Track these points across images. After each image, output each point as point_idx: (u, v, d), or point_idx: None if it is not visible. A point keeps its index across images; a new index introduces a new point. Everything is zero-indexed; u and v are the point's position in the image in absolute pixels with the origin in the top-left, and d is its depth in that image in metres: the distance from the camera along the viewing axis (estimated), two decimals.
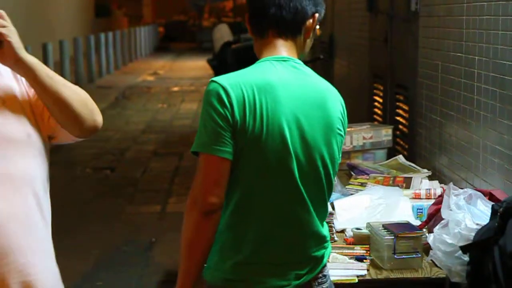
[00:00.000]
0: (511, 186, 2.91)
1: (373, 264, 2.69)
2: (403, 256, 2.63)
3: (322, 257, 2.10)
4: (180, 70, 21.21)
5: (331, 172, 2.05)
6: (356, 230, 2.90)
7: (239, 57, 9.50)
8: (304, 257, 2.05)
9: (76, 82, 14.72)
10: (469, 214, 2.31)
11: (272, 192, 2.00)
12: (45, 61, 12.34)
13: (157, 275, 4.83)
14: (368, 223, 2.87)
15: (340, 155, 2.11)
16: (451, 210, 2.36)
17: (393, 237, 2.66)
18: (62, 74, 13.41)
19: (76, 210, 6.42)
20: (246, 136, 1.95)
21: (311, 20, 2.09)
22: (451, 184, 2.69)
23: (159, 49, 30.76)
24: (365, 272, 2.60)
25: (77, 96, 1.97)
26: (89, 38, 16.77)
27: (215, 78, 2.01)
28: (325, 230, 2.11)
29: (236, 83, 1.97)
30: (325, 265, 2.13)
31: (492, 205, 2.20)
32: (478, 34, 3.32)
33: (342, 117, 2.07)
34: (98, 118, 2.07)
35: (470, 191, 2.50)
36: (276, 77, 1.99)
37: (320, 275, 2.10)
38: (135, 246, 5.42)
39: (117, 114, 12.30)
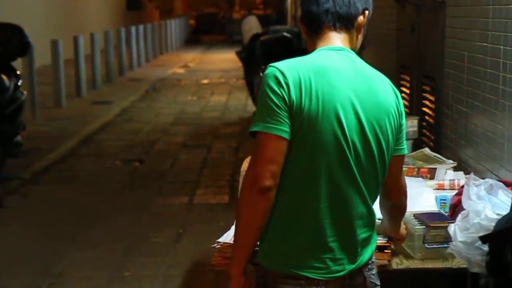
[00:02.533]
0: None
1: (404, 254, 2.68)
2: (434, 246, 2.62)
3: (370, 241, 2.15)
4: (210, 63, 21.28)
5: (386, 155, 2.10)
6: (378, 220, 2.89)
7: (268, 49, 9.49)
8: (356, 239, 2.10)
9: (107, 74, 14.86)
10: (489, 204, 2.30)
11: (327, 174, 2.03)
12: (76, 54, 12.46)
13: (185, 266, 4.87)
14: None
15: (402, 144, 2.17)
16: (471, 200, 2.35)
17: (424, 227, 2.66)
18: (92, 67, 13.56)
19: (105, 202, 6.49)
20: (302, 116, 2.00)
21: (362, 17, 2.16)
22: (472, 175, 2.67)
23: (189, 41, 30.90)
24: (386, 262, 2.60)
25: None
26: (119, 31, 16.90)
27: (272, 63, 2.07)
28: (374, 213, 2.16)
29: (292, 66, 2.04)
30: (373, 251, 2.19)
31: None
32: (504, 23, 3.29)
33: (397, 104, 2.12)
34: None
35: (491, 181, 2.48)
36: (330, 62, 2.06)
37: (370, 261, 2.17)
38: (163, 237, 5.48)
39: (147, 106, 12.40)
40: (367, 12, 2.16)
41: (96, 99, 12.39)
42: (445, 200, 3.17)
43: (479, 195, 2.36)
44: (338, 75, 2.04)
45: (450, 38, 4.21)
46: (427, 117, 4.84)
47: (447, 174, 3.56)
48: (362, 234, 2.11)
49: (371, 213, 2.14)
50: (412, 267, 2.60)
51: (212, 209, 6.26)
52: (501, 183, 2.52)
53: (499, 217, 2.21)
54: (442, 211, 3.05)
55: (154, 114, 11.49)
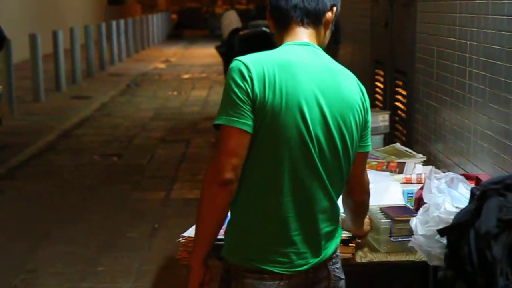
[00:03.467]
0: (500, 171, 2.91)
1: (369, 247, 2.70)
2: (399, 239, 2.64)
3: (335, 235, 2.18)
4: (192, 58, 21.24)
5: (350, 150, 2.12)
6: (342, 214, 2.90)
7: (247, 43, 9.49)
8: (319, 233, 2.12)
9: (87, 69, 14.79)
10: (449, 197, 2.32)
11: (291, 168, 2.04)
12: (55, 48, 12.38)
13: (158, 261, 4.87)
14: None
15: (366, 140, 2.20)
16: (432, 193, 2.37)
17: (389, 220, 2.68)
18: (72, 61, 13.49)
19: (82, 197, 6.47)
20: (265, 110, 2.01)
21: (330, 13, 2.17)
22: (433, 168, 2.70)
23: (171, 36, 30.81)
24: (349, 255, 2.61)
25: None
26: (100, 25, 16.82)
27: (238, 57, 2.08)
28: (338, 207, 2.19)
29: (257, 60, 2.06)
30: (338, 245, 2.21)
31: (471, 188, 2.21)
32: (469, 18, 3.32)
33: (362, 100, 2.13)
34: None
35: (452, 174, 2.50)
36: (296, 57, 2.07)
37: (334, 255, 2.18)
38: (139, 232, 5.47)
39: (127, 101, 12.36)
40: (335, 8, 2.18)
41: (75, 94, 12.33)
42: (412, 194, 3.19)
43: (439, 188, 2.39)
44: (303, 69, 2.05)
45: (421, 33, 4.24)
46: (399, 112, 4.87)
47: (416, 168, 3.59)
48: (325, 228, 2.12)
49: (335, 207, 2.15)
50: (375, 260, 2.62)
51: (189, 203, 6.25)
52: (461, 177, 2.55)
53: (458, 210, 2.23)
54: (409, 205, 3.07)
55: (134, 109, 11.46)
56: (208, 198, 2.03)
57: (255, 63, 2.04)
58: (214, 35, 27.87)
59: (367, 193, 2.29)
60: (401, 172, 3.56)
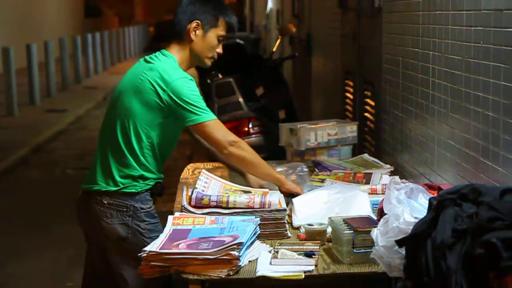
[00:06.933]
0: (462, 180, 2.92)
1: (333, 259, 2.69)
2: (362, 250, 2.63)
3: (103, 179, 3.05)
4: None
5: (127, 123, 3.02)
6: (307, 226, 2.90)
7: (221, 54, 9.47)
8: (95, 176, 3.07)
9: (62, 82, 14.70)
10: (408, 208, 2.32)
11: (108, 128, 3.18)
12: (29, 62, 12.30)
13: None
14: (330, 218, 2.87)
15: (186, 117, 2.99)
16: (391, 204, 2.37)
17: (352, 231, 2.67)
18: (47, 74, 13.41)
19: (53, 211, 6.42)
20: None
21: (191, 26, 3.14)
22: (393, 178, 2.71)
23: (149, 48, 30.72)
24: (312, 267, 2.60)
25: None
26: (75, 38, 16.74)
27: None
28: (112, 163, 3.09)
29: None
30: (104, 192, 3.00)
31: (429, 199, 2.21)
32: (432, 29, 3.34)
33: (157, 86, 2.97)
34: None
35: (412, 185, 2.50)
36: (140, 61, 3.16)
37: (98, 196, 3.00)
38: None
39: (102, 114, 12.21)
40: (195, 23, 3.11)
41: (50, 107, 12.25)
42: (377, 204, 3.18)
43: (399, 199, 2.39)
44: (133, 68, 3.15)
45: (387, 44, 4.26)
46: (368, 122, 4.88)
47: (383, 178, 3.58)
48: (95, 175, 3.08)
49: (103, 167, 3.10)
50: (338, 272, 2.61)
51: (162, 216, 6.19)
52: (421, 187, 2.55)
53: (417, 220, 2.23)
54: (374, 216, 3.07)
55: None
56: None
57: None
58: None
59: (230, 144, 3.06)
60: (367, 182, 3.56)
